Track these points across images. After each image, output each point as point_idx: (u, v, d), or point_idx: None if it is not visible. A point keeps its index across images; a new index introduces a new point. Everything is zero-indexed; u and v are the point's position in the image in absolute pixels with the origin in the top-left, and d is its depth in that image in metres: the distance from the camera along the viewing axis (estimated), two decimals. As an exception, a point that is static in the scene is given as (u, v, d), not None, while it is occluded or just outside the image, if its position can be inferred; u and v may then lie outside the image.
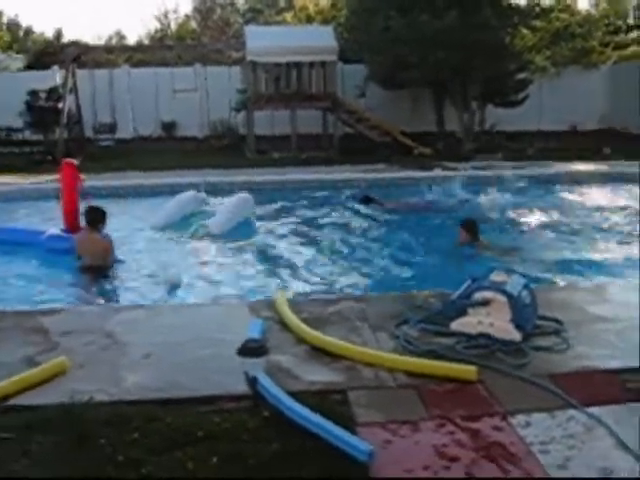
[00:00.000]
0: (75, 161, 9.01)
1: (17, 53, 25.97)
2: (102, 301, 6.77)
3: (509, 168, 14.03)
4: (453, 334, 4.43)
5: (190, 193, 10.57)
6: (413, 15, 16.44)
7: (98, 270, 7.41)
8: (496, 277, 4.66)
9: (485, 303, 4.43)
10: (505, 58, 18.61)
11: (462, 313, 4.52)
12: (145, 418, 3.47)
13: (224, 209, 10.07)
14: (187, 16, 44.52)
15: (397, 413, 3.56)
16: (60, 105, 19.40)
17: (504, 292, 4.42)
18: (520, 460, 3.11)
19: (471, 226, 8.07)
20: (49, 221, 9.66)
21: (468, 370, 3.89)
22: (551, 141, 19.42)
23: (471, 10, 16.52)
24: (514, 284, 4.58)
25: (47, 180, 12.61)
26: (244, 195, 10.47)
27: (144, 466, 3.06)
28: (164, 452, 3.17)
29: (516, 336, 4.32)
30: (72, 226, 8.58)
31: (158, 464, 3.07)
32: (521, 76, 19.72)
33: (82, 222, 8.20)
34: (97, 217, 7.58)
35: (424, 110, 20.61)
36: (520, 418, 3.47)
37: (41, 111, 19.64)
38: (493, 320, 4.38)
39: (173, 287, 6.81)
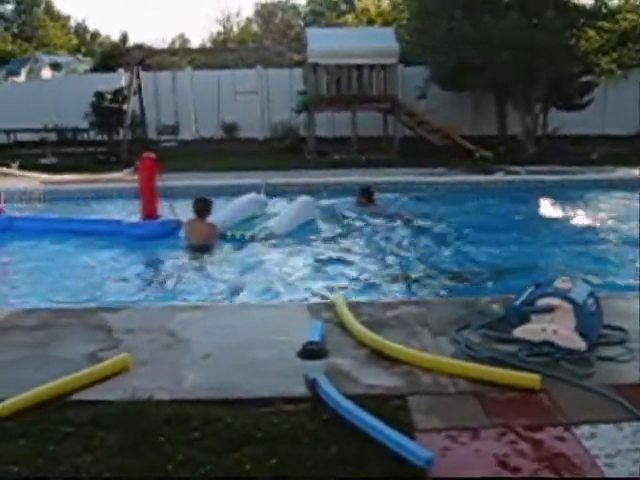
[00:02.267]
0: (153, 155, 9.60)
1: (84, 56, 26.58)
2: (198, 275, 7.68)
3: (572, 173, 13.75)
4: (515, 341, 4.35)
5: (251, 195, 10.64)
6: (477, 16, 16.26)
7: (200, 249, 8.52)
8: (561, 284, 4.55)
9: (549, 310, 4.33)
10: (570, 60, 18.27)
11: (525, 320, 4.43)
12: (204, 418, 3.49)
13: (288, 210, 10.13)
14: (249, 19, 45.04)
15: (457, 420, 3.50)
16: (124, 107, 19.79)
17: (569, 299, 4.31)
18: (584, 473, 3.02)
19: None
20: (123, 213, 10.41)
21: (531, 378, 3.81)
22: (616, 146, 18.93)
23: (535, 11, 16.26)
24: (579, 291, 4.47)
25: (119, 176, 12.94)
26: (307, 198, 10.52)
27: (203, 466, 3.07)
28: (223, 452, 3.18)
29: (581, 345, 4.21)
30: (150, 215, 9.32)
31: (217, 464, 3.08)
32: (586, 79, 19.32)
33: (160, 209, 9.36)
34: (203, 207, 8.85)
35: (486, 113, 20.37)
36: (584, 429, 3.37)
37: (106, 112, 20.07)
38: (557, 328, 4.28)
39: (236, 289, 6.87)
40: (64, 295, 6.92)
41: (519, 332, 4.40)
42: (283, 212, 10.12)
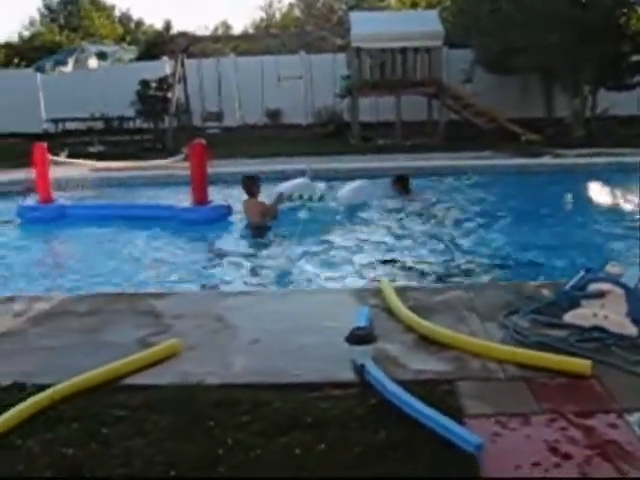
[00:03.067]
0: (203, 141, 9.84)
1: (129, 45, 26.85)
2: (262, 250, 8.06)
3: (622, 155, 13.46)
4: (565, 326, 4.29)
5: (299, 180, 10.65)
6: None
7: (257, 228, 8.82)
8: (611, 269, 4.47)
9: (600, 295, 4.27)
10: (620, 39, 17.83)
11: (575, 305, 4.37)
12: (253, 402, 3.52)
13: (354, 184, 10.22)
14: (291, 4, 44.96)
15: (507, 406, 3.47)
16: (169, 94, 19.94)
17: (621, 284, 4.24)
18: (637, 460, 2.98)
19: (401, 180, 10.52)
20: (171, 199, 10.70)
21: (582, 364, 3.75)
22: (669, 127, 18.48)
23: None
24: (630, 277, 4.40)
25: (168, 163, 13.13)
26: (366, 181, 10.63)
27: (252, 450, 3.10)
28: (272, 436, 3.20)
29: (632, 330, 4.13)
30: (201, 200, 9.59)
31: (266, 448, 3.11)
32: (636, 58, 18.85)
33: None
34: (251, 183, 9.11)
35: (532, 95, 20.05)
36: (637, 416, 3.31)
37: (151, 100, 20.26)
38: (608, 313, 4.21)
39: (284, 274, 6.91)
40: (116, 281, 7.05)
41: (569, 317, 4.34)
42: (350, 185, 10.20)
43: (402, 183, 10.68)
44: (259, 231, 8.79)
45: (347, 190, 10.07)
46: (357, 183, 10.45)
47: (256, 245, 8.41)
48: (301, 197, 9.85)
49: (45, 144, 10.38)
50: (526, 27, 16.05)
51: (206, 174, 9.60)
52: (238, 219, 9.29)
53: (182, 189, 11.15)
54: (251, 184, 9.10)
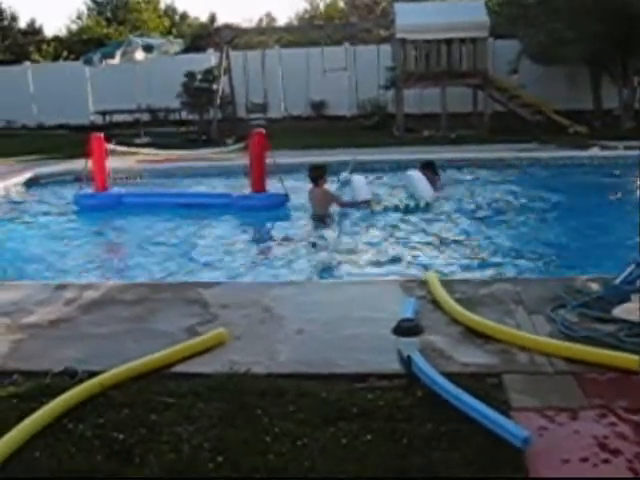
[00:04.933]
0: (263, 130, 10.07)
1: (175, 38, 27.07)
2: (323, 240, 8.14)
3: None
4: (614, 321, 4.22)
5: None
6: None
7: (321, 218, 8.96)
8: (663, 263, 4.40)
9: (651, 289, 4.20)
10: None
11: (625, 299, 4.31)
12: (299, 392, 3.54)
13: (419, 181, 10.14)
14: (335, -5, 44.79)
15: (554, 400, 3.44)
16: (214, 86, 20.06)
17: (673, 278, 4.17)
18: (688, 457, 2.93)
19: (428, 165, 10.41)
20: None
21: (631, 359, 3.69)
22: None
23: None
24: (683, 271, 4.32)
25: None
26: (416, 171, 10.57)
27: (299, 439, 3.12)
28: (318, 426, 3.22)
29: (684, 326, 4.06)
30: (259, 188, 9.85)
31: (313, 438, 3.13)
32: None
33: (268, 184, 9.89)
34: (319, 173, 9.19)
35: (580, 87, 19.68)
36: (688, 412, 3.27)
37: (197, 92, 20.38)
38: (659, 308, 4.14)
39: (323, 266, 6.93)
40: (171, 268, 7.18)
41: (619, 311, 4.27)
42: (416, 183, 10.11)
43: (430, 168, 10.69)
44: (322, 220, 8.94)
45: (424, 189, 9.92)
46: (419, 176, 10.31)
47: (317, 234, 8.50)
48: (398, 208, 9.53)
49: (102, 134, 10.60)
50: (574, 17, 15.78)
51: (264, 163, 9.81)
52: (296, 208, 9.42)
53: (231, 180, 11.33)
54: (318, 174, 9.19)
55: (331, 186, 9.89)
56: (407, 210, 9.28)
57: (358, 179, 10.37)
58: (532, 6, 17.12)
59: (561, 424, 3.22)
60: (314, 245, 7.77)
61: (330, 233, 8.51)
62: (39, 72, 25.23)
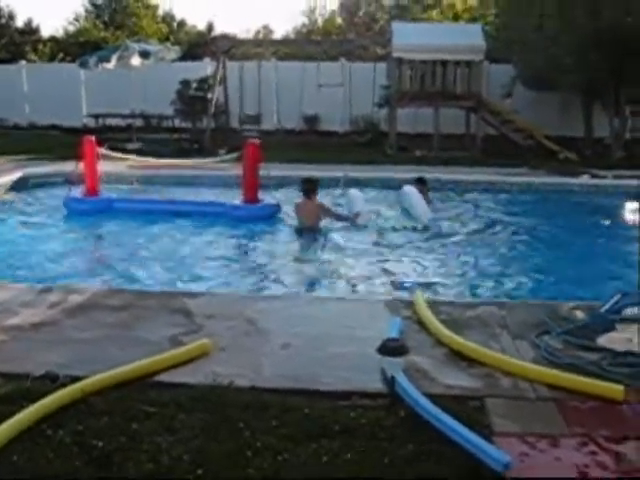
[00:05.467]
0: (257, 141, 10.16)
1: (173, 45, 27.07)
2: (310, 253, 8.12)
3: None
4: (599, 349, 4.24)
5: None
6: (570, 14, 15.81)
7: (309, 230, 8.88)
8: (649, 293, 4.43)
9: (637, 320, 4.22)
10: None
11: (610, 328, 4.33)
12: (283, 407, 3.53)
13: (417, 200, 10.21)
14: (333, 11, 45.02)
15: (536, 426, 3.45)
16: (209, 95, 20.05)
17: (658, 310, 4.19)
18: (669, 489, 2.94)
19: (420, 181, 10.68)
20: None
21: (614, 389, 3.71)
22: None
23: (633, 9, 15.67)
24: (668, 302, 4.35)
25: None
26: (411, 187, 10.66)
27: (280, 454, 3.11)
28: (300, 442, 3.21)
29: (668, 357, 4.08)
30: (252, 199, 9.86)
31: (294, 453, 3.12)
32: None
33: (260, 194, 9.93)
34: (312, 186, 9.15)
35: (572, 114, 19.80)
36: (670, 444, 3.28)
37: (191, 100, 20.36)
38: (644, 338, 4.16)
39: (307, 282, 6.92)
40: (155, 275, 7.15)
41: (603, 340, 4.30)
42: (415, 202, 10.16)
43: (422, 184, 10.87)
44: (310, 233, 8.88)
45: (420, 208, 10.01)
46: (416, 195, 10.40)
47: (303, 247, 8.51)
48: (396, 229, 9.50)
49: (94, 138, 10.52)
50: (571, 44, 15.90)
51: (258, 173, 9.86)
52: (287, 220, 9.37)
53: (219, 190, 11.31)
54: (311, 187, 9.18)
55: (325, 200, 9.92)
56: (404, 230, 9.30)
57: (355, 193, 10.40)
58: (529, 32, 17.22)
59: (542, 451, 3.23)
60: (299, 260, 7.72)
61: (318, 247, 8.48)
62: (34, 72, 25.14)
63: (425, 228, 9.40)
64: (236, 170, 10.86)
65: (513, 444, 3.27)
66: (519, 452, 3.20)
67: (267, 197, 10.03)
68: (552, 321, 4.69)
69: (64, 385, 3.71)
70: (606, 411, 3.62)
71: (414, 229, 9.36)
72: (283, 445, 3.17)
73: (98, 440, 3.24)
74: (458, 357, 4.18)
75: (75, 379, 3.78)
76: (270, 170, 10.28)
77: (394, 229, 9.38)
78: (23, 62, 26.31)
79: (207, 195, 11.60)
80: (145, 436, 3.28)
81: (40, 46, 31.57)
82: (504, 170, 14.15)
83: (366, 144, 19.67)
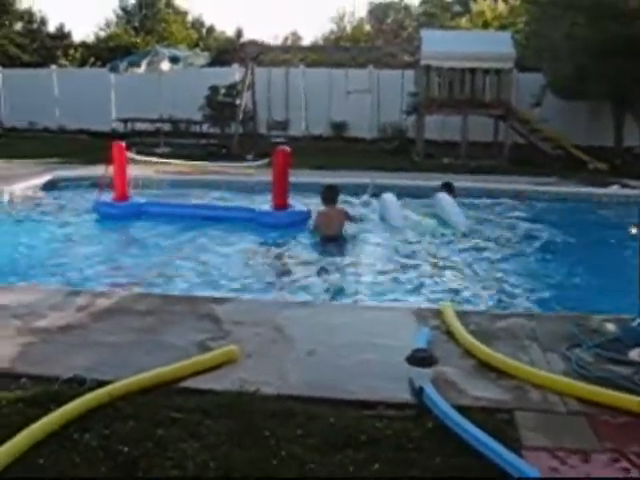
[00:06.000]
0: (288, 148, 10.09)
1: (202, 51, 27.23)
2: (336, 261, 8.03)
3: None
4: (631, 363, 4.17)
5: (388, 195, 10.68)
6: (600, 23, 15.67)
7: (335, 237, 8.83)
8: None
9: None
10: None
11: (642, 342, 4.25)
12: (308, 415, 3.51)
13: (454, 208, 10.20)
14: (362, 19, 45.10)
15: (566, 441, 3.39)
16: (238, 101, 20.13)
17: (692, 324, 4.11)
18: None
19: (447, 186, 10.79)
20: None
21: (647, 404, 3.64)
22: None
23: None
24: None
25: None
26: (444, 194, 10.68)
27: (307, 464, 3.09)
28: (326, 452, 3.18)
29: (702, 373, 4.00)
30: (281, 204, 9.84)
31: (320, 463, 3.09)
32: None
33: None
34: (335, 194, 9.18)
35: (602, 123, 19.62)
36: None
37: (219, 106, 20.46)
38: (677, 353, 4.08)
39: (334, 290, 6.89)
40: (182, 280, 7.17)
41: (635, 354, 4.22)
42: (453, 210, 10.16)
43: (449, 190, 10.92)
44: (335, 241, 8.84)
45: (461, 217, 10.02)
46: (450, 202, 10.43)
47: (330, 255, 8.41)
48: (435, 236, 9.48)
49: (123, 143, 10.58)
50: (601, 53, 15.75)
51: (288, 179, 9.84)
52: (311, 228, 9.28)
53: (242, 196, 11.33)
54: (334, 195, 9.20)
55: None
56: (442, 238, 9.29)
57: (389, 198, 10.41)
58: (559, 40, 17.08)
59: (573, 466, 3.17)
60: (325, 271, 7.67)
61: (344, 254, 8.46)
62: (64, 76, 25.42)
63: (464, 235, 9.34)
64: (264, 176, 10.88)
65: (543, 458, 3.22)
66: (549, 467, 3.15)
67: (297, 204, 9.99)
68: (583, 334, 4.62)
69: (91, 389, 3.72)
70: (638, 427, 3.55)
71: (453, 236, 9.32)
72: (309, 455, 3.15)
73: (124, 445, 3.24)
74: (487, 368, 4.13)
75: (102, 383, 3.79)
76: (300, 176, 10.28)
77: (432, 236, 9.34)
78: (54, 67, 26.64)
79: (235, 200, 11.62)
80: (171, 442, 3.27)
81: (71, 51, 31.94)
82: (533, 179, 14.02)
83: (393, 151, 19.62)
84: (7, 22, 32.48)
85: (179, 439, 3.30)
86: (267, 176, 10.46)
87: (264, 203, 10.16)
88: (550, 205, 11.97)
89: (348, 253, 8.52)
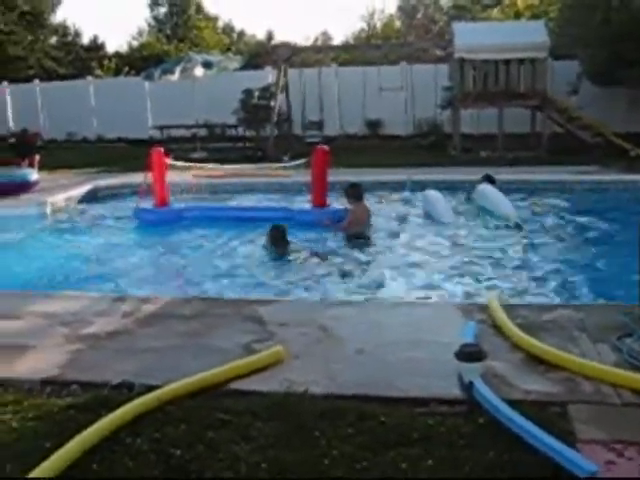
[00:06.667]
0: (326, 147, 10.24)
1: (234, 55, 27.39)
2: (360, 259, 7.99)
3: None
4: (684, 352, 4.08)
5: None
6: (637, 7, 15.39)
7: (361, 236, 8.84)
8: None
9: None
10: None
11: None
12: (358, 414, 3.49)
13: (502, 198, 10.20)
14: (392, 15, 44.90)
15: (622, 433, 3.32)
16: (272, 103, 20.19)
17: None
18: None
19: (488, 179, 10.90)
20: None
21: (703, 393, 3.56)
22: None
23: None
24: None
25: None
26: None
27: (358, 462, 3.07)
28: (378, 450, 3.16)
29: None
30: (320, 203, 10.01)
31: (372, 462, 3.07)
32: None
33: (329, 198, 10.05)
34: (361, 190, 9.29)
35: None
36: None
37: (254, 109, 20.55)
38: None
39: (379, 284, 6.85)
40: (224, 284, 7.18)
41: (688, 343, 4.12)
42: (499, 201, 10.16)
43: (490, 182, 10.97)
44: (365, 238, 8.84)
45: (508, 205, 10.02)
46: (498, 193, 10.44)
47: (360, 251, 8.39)
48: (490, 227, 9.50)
49: (162, 149, 10.67)
50: (639, 38, 15.47)
51: (326, 178, 9.95)
52: (343, 226, 9.23)
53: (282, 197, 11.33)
54: (361, 192, 9.29)
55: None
56: (498, 228, 9.25)
57: (434, 194, 10.40)
58: (594, 27, 16.81)
59: (630, 459, 3.10)
60: (346, 275, 7.54)
61: (374, 251, 8.45)
62: (100, 87, 25.79)
63: (517, 226, 9.26)
64: (302, 177, 10.89)
65: (598, 452, 3.15)
66: (605, 460, 3.08)
67: (334, 202, 9.99)
68: (632, 323, 4.53)
69: (140, 394, 3.75)
70: (695, 416, 3.47)
71: (507, 227, 9.26)
72: (360, 454, 3.13)
73: (175, 448, 3.25)
74: (536, 361, 4.06)
75: (150, 388, 3.81)
76: (337, 175, 10.28)
77: (486, 228, 9.30)
78: (90, 78, 27.01)
79: (274, 201, 11.66)
80: (222, 444, 3.28)
81: (106, 61, 32.37)
82: (574, 169, 13.80)
83: (429, 147, 19.51)
84: (42, 36, 33.01)
85: (230, 441, 3.30)
86: (305, 177, 10.48)
87: (303, 203, 10.18)
88: (593, 194, 11.77)
89: (383, 250, 8.47)
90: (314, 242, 8.88)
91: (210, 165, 13.84)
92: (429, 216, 10.13)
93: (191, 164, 13.10)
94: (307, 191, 10.51)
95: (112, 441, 3.35)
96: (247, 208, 10.87)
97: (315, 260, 7.99)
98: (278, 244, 8.28)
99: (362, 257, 8.14)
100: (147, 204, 10.58)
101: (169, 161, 10.89)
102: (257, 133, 20.80)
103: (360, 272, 7.50)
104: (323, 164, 9.90)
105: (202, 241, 9.30)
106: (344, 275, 7.41)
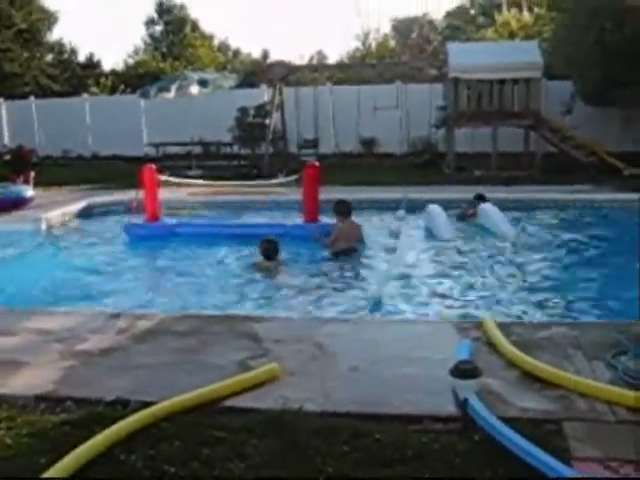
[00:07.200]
0: (317, 163, 10.43)
1: (230, 73, 27.49)
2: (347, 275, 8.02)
3: None
4: (679, 370, 4.09)
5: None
6: (629, 28, 15.53)
7: (348, 251, 8.84)
8: None
9: None
10: None
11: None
12: (353, 432, 3.49)
13: (500, 217, 10.32)
14: (386, 35, 45.17)
15: (617, 450, 3.32)
16: (267, 121, 20.26)
17: None
18: None
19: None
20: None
21: (698, 411, 3.56)
22: None
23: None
24: None
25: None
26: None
27: (354, 480, 3.07)
28: (373, 468, 3.16)
29: None
30: (312, 218, 10.15)
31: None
32: None
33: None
34: (349, 206, 9.34)
35: (634, 129, 19.39)
36: None
37: (249, 127, 20.61)
38: None
39: (375, 302, 6.83)
40: (217, 301, 7.16)
41: (684, 360, 4.13)
42: (498, 220, 10.26)
43: (482, 200, 11.01)
44: (349, 255, 8.83)
45: (505, 223, 10.15)
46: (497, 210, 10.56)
47: (347, 268, 8.36)
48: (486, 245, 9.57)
49: (153, 165, 10.74)
50: (631, 59, 15.59)
51: (318, 193, 10.07)
52: (327, 242, 9.23)
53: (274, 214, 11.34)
54: (349, 209, 9.33)
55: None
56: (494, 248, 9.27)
57: (435, 209, 10.48)
58: (588, 47, 16.94)
59: (626, 477, 3.10)
60: (355, 281, 7.61)
61: (359, 268, 8.47)
62: (96, 104, 25.83)
63: (514, 244, 9.32)
64: (296, 194, 10.93)
65: (594, 469, 3.15)
66: (601, 478, 3.08)
67: (324, 218, 10.11)
68: (627, 341, 4.54)
69: (135, 410, 3.74)
70: (691, 434, 3.47)
71: (503, 245, 9.31)
72: (355, 471, 3.12)
73: (170, 465, 3.24)
74: (531, 379, 4.07)
75: (145, 404, 3.80)
76: (331, 193, 10.31)
77: (484, 245, 9.34)
78: (86, 95, 27.07)
79: (267, 218, 11.70)
80: (217, 462, 3.27)
81: (102, 79, 32.43)
82: (567, 188, 13.87)
83: (424, 165, 19.58)
84: (38, 54, 33.10)
85: (225, 458, 3.30)
86: (298, 195, 10.51)
87: (295, 219, 10.31)
88: (587, 213, 11.83)
89: (376, 265, 8.48)
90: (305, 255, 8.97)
91: (200, 181, 13.89)
92: (429, 231, 10.15)
93: (182, 180, 13.13)
94: (299, 208, 10.59)
95: (106, 457, 3.34)
96: (239, 225, 10.93)
97: (306, 276, 8.03)
98: (272, 257, 8.28)
99: (349, 273, 8.14)
100: (138, 219, 10.61)
101: (162, 177, 10.93)
102: (252, 151, 20.84)
103: (352, 289, 7.49)
104: (314, 179, 10.04)
105: (192, 257, 9.31)
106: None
